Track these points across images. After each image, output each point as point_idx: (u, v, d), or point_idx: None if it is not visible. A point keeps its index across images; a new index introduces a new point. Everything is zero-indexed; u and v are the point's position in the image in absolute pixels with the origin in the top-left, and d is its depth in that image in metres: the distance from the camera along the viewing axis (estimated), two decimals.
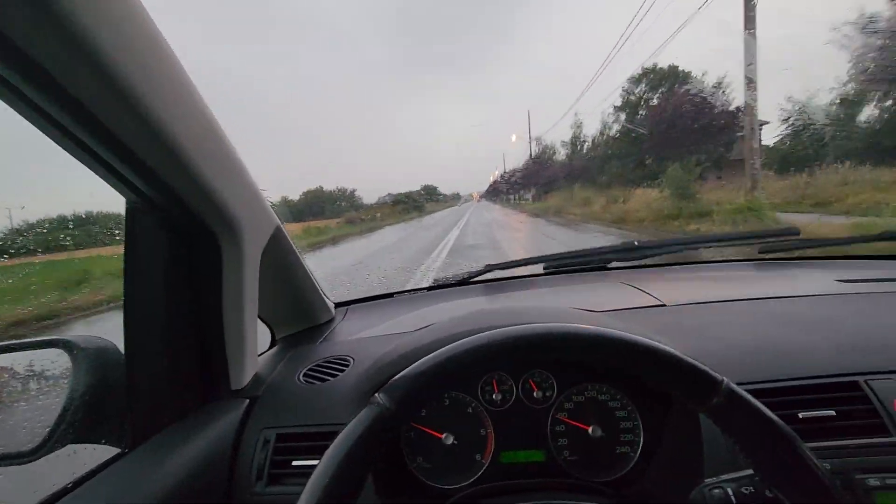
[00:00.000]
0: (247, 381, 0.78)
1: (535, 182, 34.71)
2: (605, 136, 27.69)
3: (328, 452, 0.41)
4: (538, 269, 1.27)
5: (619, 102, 26.89)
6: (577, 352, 0.43)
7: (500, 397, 0.75)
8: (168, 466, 0.59)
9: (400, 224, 26.83)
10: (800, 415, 0.60)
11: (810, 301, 0.84)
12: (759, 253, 1.11)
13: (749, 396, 0.41)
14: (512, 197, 55.55)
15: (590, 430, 0.73)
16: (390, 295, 1.27)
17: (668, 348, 0.42)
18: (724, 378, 0.41)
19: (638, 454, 0.72)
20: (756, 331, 0.75)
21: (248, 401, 0.74)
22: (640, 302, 0.91)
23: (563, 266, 1.21)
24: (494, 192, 78.46)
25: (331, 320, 1.11)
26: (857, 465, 0.56)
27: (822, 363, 0.65)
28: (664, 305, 0.88)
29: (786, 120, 19.17)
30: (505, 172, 56.79)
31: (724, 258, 1.35)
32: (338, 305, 1.20)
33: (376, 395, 0.44)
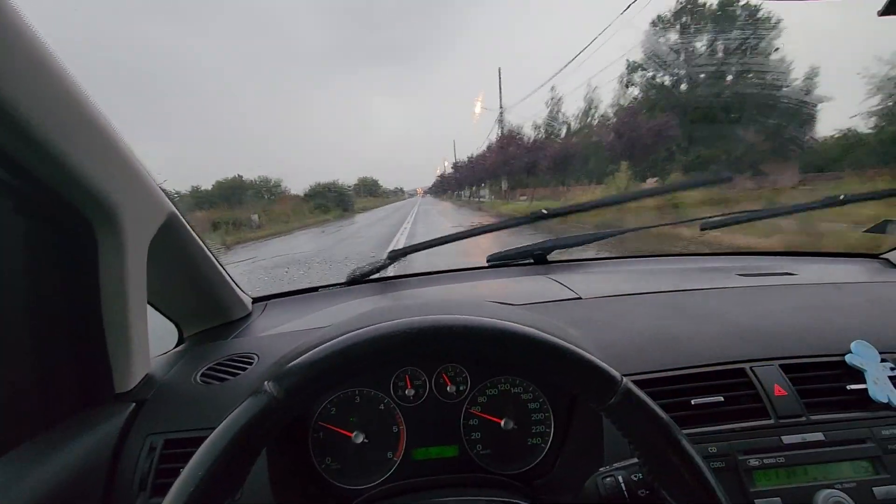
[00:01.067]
0: (135, 383, 0.70)
1: (508, 170, 25.38)
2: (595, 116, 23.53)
3: (205, 443, 0.37)
4: (477, 262, 1.28)
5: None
6: (476, 346, 0.42)
7: (412, 393, 0.74)
8: (29, 481, 0.52)
9: (291, 235, 14.42)
10: (692, 401, 0.63)
11: (711, 293, 0.89)
12: (701, 230, 1.17)
13: (645, 397, 0.41)
14: (464, 193, 45.13)
15: (502, 422, 0.73)
16: (315, 289, 1.21)
17: (570, 345, 0.42)
18: (623, 378, 0.41)
19: (548, 445, 0.73)
20: (659, 322, 0.78)
21: (133, 405, 0.68)
22: (559, 295, 0.93)
23: (501, 258, 1.22)
24: (442, 187, 69.37)
25: (246, 316, 1.04)
26: (741, 448, 0.60)
27: (713, 352, 0.68)
28: (580, 298, 0.90)
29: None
30: (457, 162, 43.75)
31: (652, 252, 1.41)
32: (256, 300, 1.13)
33: (265, 383, 0.40)
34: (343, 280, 1.20)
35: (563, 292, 0.94)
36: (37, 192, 0.55)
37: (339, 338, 0.41)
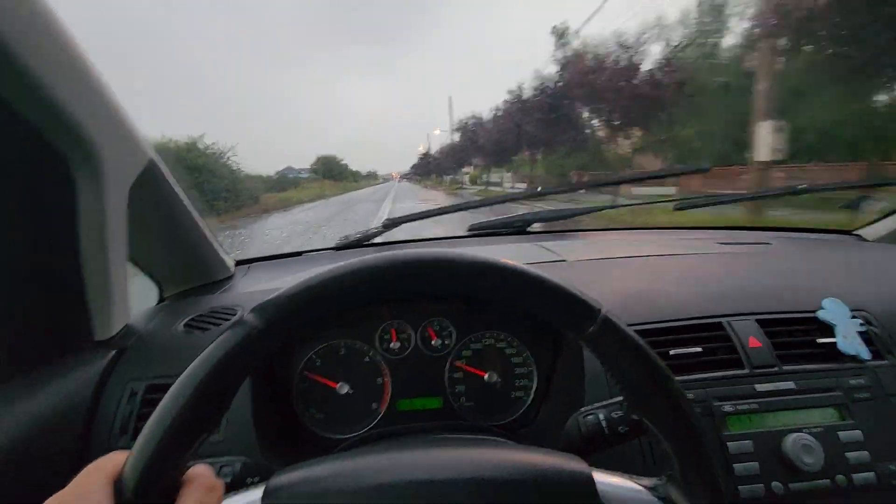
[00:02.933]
0: (115, 331, 0.69)
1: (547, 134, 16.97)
2: None
3: (183, 375, 0.36)
4: (460, 231, 1.28)
5: None
6: (453, 278, 0.41)
7: (398, 346, 0.74)
8: (3, 423, 0.51)
9: None
10: (671, 352, 0.64)
11: (692, 258, 0.91)
12: (675, 210, 1.19)
13: (623, 325, 0.41)
14: (447, 177, 41.19)
15: (486, 376, 0.74)
16: (299, 254, 1.20)
17: (550, 276, 0.42)
18: (602, 306, 0.41)
19: (531, 398, 0.74)
20: (641, 282, 0.79)
21: (114, 352, 0.67)
22: (544, 258, 0.94)
23: (483, 228, 1.22)
24: (424, 171, 60.51)
25: (229, 277, 1.03)
26: (716, 395, 0.62)
27: (693, 308, 0.70)
28: (565, 261, 0.91)
29: None
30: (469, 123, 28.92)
31: (635, 225, 1.43)
32: (239, 263, 1.11)
33: (245, 314, 0.39)
34: (331, 245, 1.19)
35: (548, 256, 0.95)
36: (11, 125, 0.53)
37: (320, 272, 0.41)
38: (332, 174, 70.01)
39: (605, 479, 0.40)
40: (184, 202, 0.82)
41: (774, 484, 0.57)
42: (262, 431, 0.62)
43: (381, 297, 0.42)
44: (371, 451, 0.41)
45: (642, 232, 1.32)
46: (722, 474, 0.39)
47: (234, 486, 0.45)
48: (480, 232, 1.25)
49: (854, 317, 0.69)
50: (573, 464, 0.40)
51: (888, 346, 0.67)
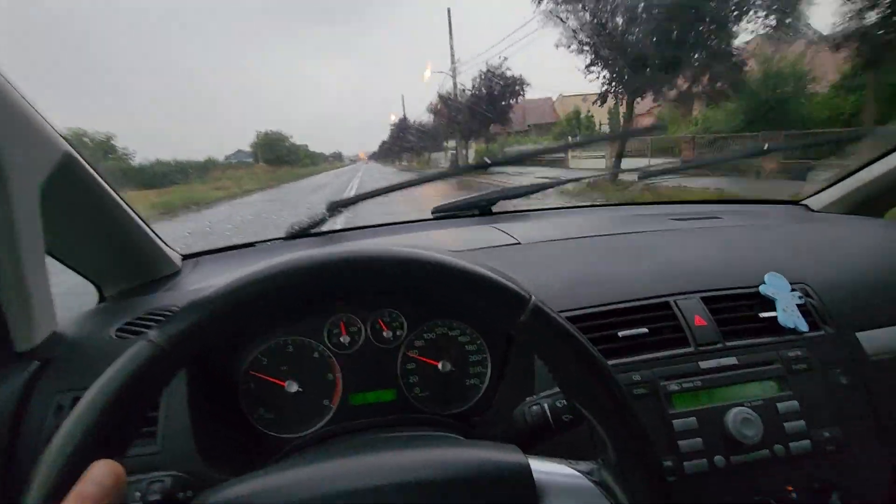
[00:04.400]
0: (39, 340, 0.65)
1: None
2: None
3: (82, 399, 0.34)
4: (424, 215, 1.25)
5: None
6: (384, 275, 0.40)
7: (348, 340, 0.72)
8: None
9: None
10: (619, 333, 0.65)
11: (644, 236, 0.92)
12: (639, 179, 1.20)
13: (554, 313, 0.40)
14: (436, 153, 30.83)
15: (440, 365, 0.73)
16: (251, 244, 1.15)
17: (478, 268, 0.40)
18: (532, 295, 0.40)
19: (486, 385, 0.74)
20: (593, 263, 0.79)
21: (38, 363, 0.62)
22: (500, 241, 0.92)
23: (446, 210, 1.20)
24: (397, 148, 45.08)
25: (175, 273, 0.98)
26: (662, 374, 0.63)
27: (641, 288, 0.70)
28: (519, 244, 0.90)
29: None
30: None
31: (593, 202, 1.44)
32: (187, 257, 1.06)
33: (149, 331, 0.37)
34: (282, 235, 1.15)
35: (504, 239, 0.94)
36: None
37: (229, 281, 0.38)
38: (279, 156, 50.93)
39: (541, 467, 0.40)
40: (111, 196, 0.76)
41: (717, 458, 0.59)
42: (203, 439, 0.59)
43: (298, 302, 0.40)
44: (301, 461, 0.40)
45: (602, 209, 1.32)
46: (656, 456, 0.40)
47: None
48: (444, 215, 1.23)
49: (794, 290, 0.71)
50: (510, 455, 0.40)
51: (824, 318, 0.69)
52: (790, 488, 0.60)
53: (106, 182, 0.75)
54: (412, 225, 1.21)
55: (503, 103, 20.29)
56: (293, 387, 0.69)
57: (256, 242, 1.17)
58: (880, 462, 0.63)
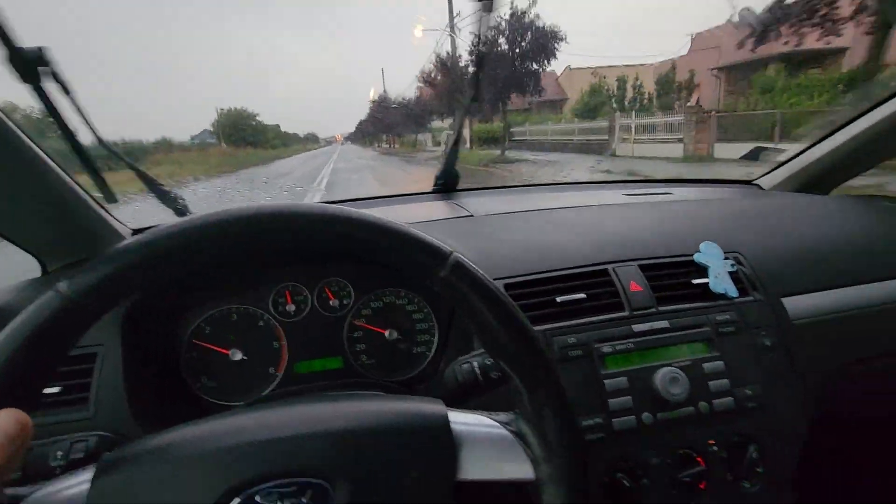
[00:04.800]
0: None
1: None
2: None
3: None
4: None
5: None
6: (305, 231, 0.39)
7: (293, 308, 0.72)
8: None
9: None
10: (557, 299, 0.66)
11: (594, 209, 0.94)
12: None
13: (474, 268, 0.41)
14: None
15: (387, 333, 0.74)
16: None
17: (398, 224, 0.41)
18: (454, 251, 0.41)
19: (432, 352, 0.75)
20: (540, 234, 0.81)
21: None
22: (452, 214, 0.93)
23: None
24: (376, 128, 36.72)
25: None
26: (596, 337, 0.65)
27: (583, 256, 0.72)
28: (472, 216, 0.91)
29: None
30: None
31: (556, 181, 1.45)
32: (138, 231, 1.03)
33: (58, 282, 0.36)
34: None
35: (458, 212, 0.95)
36: None
37: (143, 234, 0.38)
38: (244, 137, 43.80)
39: (461, 419, 0.41)
40: (47, 164, 0.74)
41: (645, 415, 0.62)
42: (139, 406, 0.59)
43: (222, 257, 0.39)
44: (220, 417, 0.40)
45: (565, 187, 1.34)
46: (568, 406, 0.41)
47: (87, 462, 0.42)
48: (406, 192, 1.23)
49: (727, 258, 0.74)
50: (429, 406, 0.41)
51: (754, 284, 0.72)
52: (712, 442, 0.63)
53: (39, 149, 0.72)
54: (374, 201, 1.21)
55: (533, 65, 13.64)
56: (237, 355, 0.69)
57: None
58: (795, 417, 0.66)
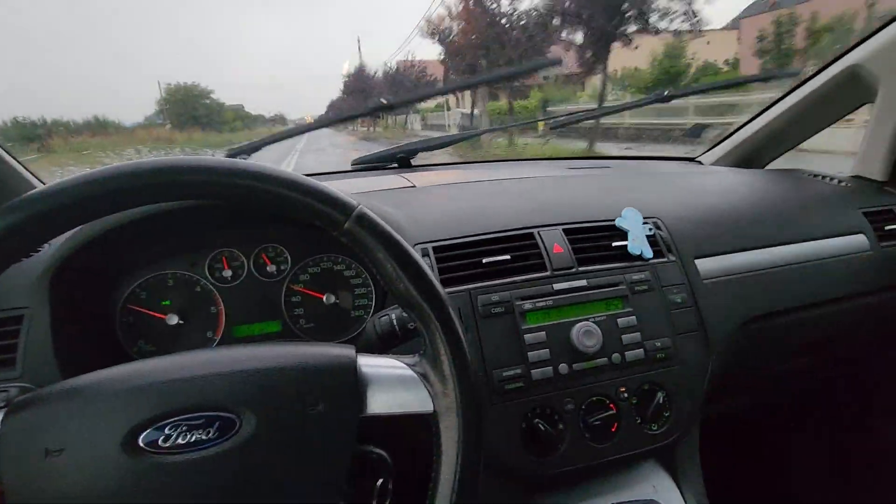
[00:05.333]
0: None
1: None
2: None
3: None
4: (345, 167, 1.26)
5: None
6: (209, 184, 0.41)
7: (230, 273, 0.74)
8: None
9: None
10: (483, 260, 0.70)
11: (534, 181, 0.98)
12: (550, 129, 1.24)
13: (377, 219, 0.43)
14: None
15: (324, 297, 0.76)
16: None
17: (302, 177, 0.43)
18: (360, 203, 0.43)
19: (370, 315, 0.78)
20: (475, 202, 0.84)
21: None
22: (396, 185, 0.95)
23: (365, 162, 1.20)
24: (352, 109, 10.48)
25: None
26: (519, 296, 0.69)
27: (512, 222, 0.76)
28: (414, 187, 0.93)
29: None
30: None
31: (509, 157, 1.49)
32: None
33: None
34: None
35: (402, 183, 0.97)
36: None
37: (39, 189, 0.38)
38: (195, 117, 36.64)
39: (370, 361, 0.44)
40: None
41: (561, 366, 0.66)
42: (69, 368, 0.60)
43: (123, 207, 0.40)
44: (137, 362, 0.42)
45: (513, 163, 1.38)
46: (464, 348, 0.45)
47: None
48: (363, 166, 1.24)
49: (646, 223, 0.79)
50: (339, 350, 0.44)
51: (670, 247, 0.78)
52: (623, 389, 0.68)
53: None
54: (330, 176, 1.21)
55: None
56: (174, 319, 0.71)
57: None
58: (699, 366, 0.72)
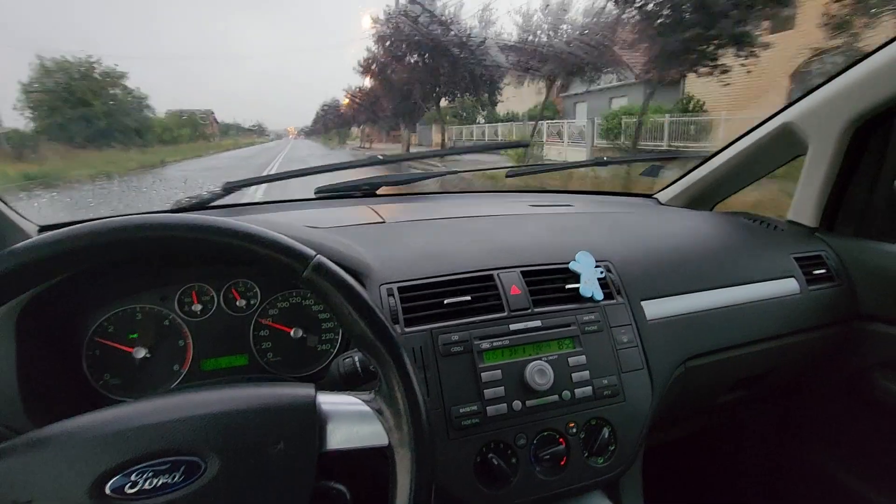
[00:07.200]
0: None
1: None
2: None
3: None
4: (308, 194, 1.28)
5: None
6: (176, 241, 0.44)
7: (199, 308, 0.76)
8: None
9: None
10: (445, 301, 0.74)
11: (497, 219, 1.03)
12: (507, 177, 1.31)
13: (335, 268, 0.47)
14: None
15: (292, 332, 0.79)
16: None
17: (262, 230, 0.46)
18: (317, 254, 0.47)
19: (336, 349, 0.81)
20: (439, 241, 0.89)
21: None
22: (365, 220, 0.99)
23: (329, 191, 1.24)
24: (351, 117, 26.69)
25: None
26: (477, 335, 0.73)
27: (474, 263, 0.81)
28: (384, 222, 0.97)
29: None
30: None
31: (473, 188, 1.55)
32: (45, 228, 1.02)
33: None
34: (165, 209, 1.13)
35: (371, 217, 1.01)
36: None
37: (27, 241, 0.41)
38: (87, 117, 12.37)
39: (329, 398, 0.48)
40: None
41: (515, 402, 0.71)
42: (34, 401, 0.61)
43: (83, 265, 0.43)
44: (103, 409, 0.44)
45: (479, 196, 1.43)
46: (414, 386, 0.48)
47: None
48: (327, 195, 1.27)
49: (598, 266, 0.85)
50: (298, 389, 0.48)
51: (619, 289, 0.84)
52: (572, 424, 0.73)
53: None
54: (294, 203, 1.24)
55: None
56: (141, 352, 0.72)
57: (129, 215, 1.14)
58: (643, 402, 0.78)
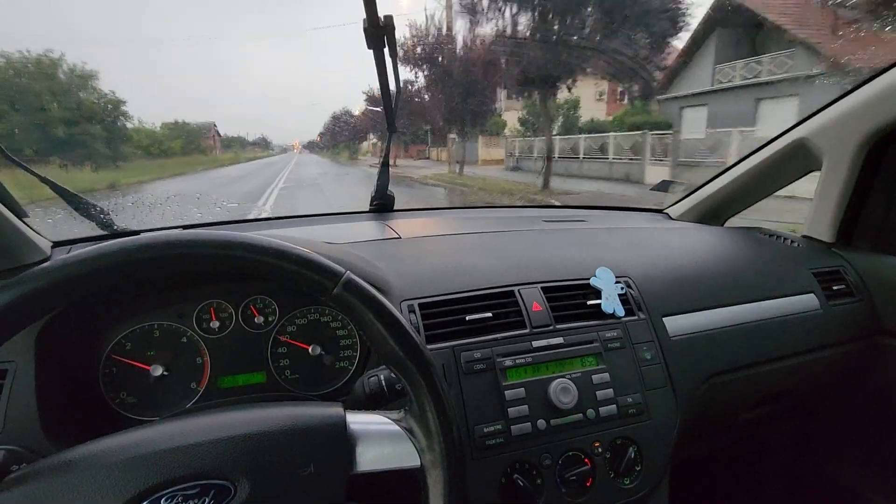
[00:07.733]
0: None
1: None
2: None
3: None
4: (317, 209, 1.29)
5: None
6: (205, 258, 0.43)
7: (217, 325, 0.75)
8: None
9: None
10: (467, 317, 0.73)
11: (513, 234, 1.03)
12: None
13: (364, 285, 0.47)
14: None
15: (310, 349, 0.78)
16: (136, 233, 1.13)
17: (292, 246, 0.45)
18: (347, 271, 0.46)
19: (354, 366, 0.80)
20: (459, 257, 0.88)
21: None
22: (384, 235, 0.99)
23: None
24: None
25: (43, 261, 0.94)
26: (500, 352, 0.72)
27: (494, 279, 0.80)
28: (400, 238, 0.97)
29: None
30: None
31: (485, 204, 1.55)
32: (59, 244, 1.01)
33: None
34: (177, 224, 1.13)
35: (388, 233, 1.01)
36: None
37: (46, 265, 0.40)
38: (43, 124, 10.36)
39: (358, 418, 0.47)
40: None
41: (539, 421, 0.69)
42: (52, 420, 0.60)
43: (127, 284, 0.43)
44: (127, 431, 0.43)
45: (494, 210, 1.44)
46: (446, 403, 0.47)
47: None
48: (339, 210, 1.28)
49: (618, 282, 0.84)
50: (327, 409, 0.47)
51: (640, 305, 0.83)
52: (597, 444, 0.71)
53: None
54: (304, 219, 1.24)
55: None
56: (158, 370, 0.71)
57: (141, 231, 1.14)
58: (668, 420, 0.77)
